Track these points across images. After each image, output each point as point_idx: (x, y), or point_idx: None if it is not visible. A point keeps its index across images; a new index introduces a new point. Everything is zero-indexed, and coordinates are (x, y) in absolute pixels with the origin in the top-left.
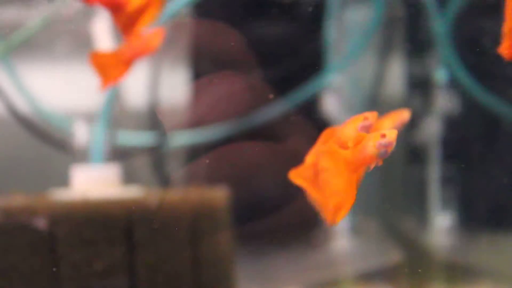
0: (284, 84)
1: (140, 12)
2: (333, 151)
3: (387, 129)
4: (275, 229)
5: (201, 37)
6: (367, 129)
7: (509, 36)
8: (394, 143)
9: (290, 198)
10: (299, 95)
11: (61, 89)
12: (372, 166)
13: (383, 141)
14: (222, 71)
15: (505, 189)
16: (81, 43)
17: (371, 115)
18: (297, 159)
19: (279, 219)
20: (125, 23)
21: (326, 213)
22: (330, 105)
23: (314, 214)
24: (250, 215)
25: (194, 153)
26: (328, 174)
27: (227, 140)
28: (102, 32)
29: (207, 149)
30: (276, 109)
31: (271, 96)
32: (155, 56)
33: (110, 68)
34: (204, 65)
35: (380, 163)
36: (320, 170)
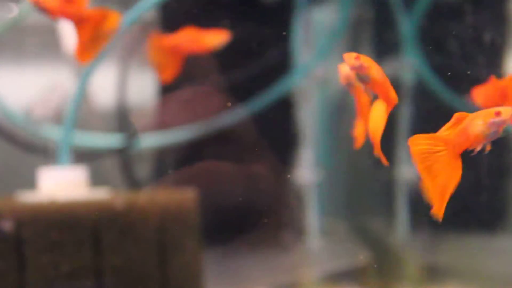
0: (250, 87)
1: (100, 24)
2: (433, 135)
3: (502, 107)
4: (244, 233)
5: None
6: (498, 126)
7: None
8: (508, 122)
9: (255, 213)
10: (266, 98)
11: (28, 90)
12: (478, 148)
13: (497, 119)
14: (187, 73)
15: (471, 190)
16: (49, 44)
17: (506, 111)
18: (259, 182)
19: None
20: (87, 34)
21: (432, 200)
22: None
23: (282, 216)
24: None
25: (161, 155)
26: (431, 160)
27: (194, 143)
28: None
29: (174, 151)
30: (242, 113)
31: (229, 104)
32: (123, 57)
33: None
34: None
35: (488, 147)
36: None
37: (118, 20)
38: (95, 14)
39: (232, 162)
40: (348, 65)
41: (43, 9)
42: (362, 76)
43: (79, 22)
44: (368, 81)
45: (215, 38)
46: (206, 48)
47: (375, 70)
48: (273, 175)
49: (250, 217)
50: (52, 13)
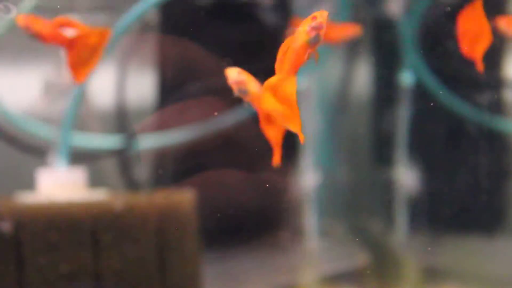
0: None
1: (91, 49)
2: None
3: (317, 12)
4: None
5: (166, 46)
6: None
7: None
8: (325, 25)
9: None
10: None
11: (26, 92)
12: (307, 57)
13: (314, 23)
14: (188, 76)
15: (470, 191)
16: (48, 46)
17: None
18: (269, 190)
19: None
20: (77, 59)
21: None
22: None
23: (281, 217)
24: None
25: (160, 156)
26: None
27: (194, 145)
28: None
29: (174, 153)
30: (242, 114)
31: (216, 113)
32: (122, 59)
33: None
34: (170, 69)
35: (317, 56)
36: None
37: (108, 37)
38: (87, 35)
39: (236, 166)
40: (229, 79)
41: (34, 35)
42: (241, 90)
43: (71, 46)
44: (247, 95)
45: (344, 31)
46: (334, 41)
47: (252, 85)
48: (273, 177)
49: (250, 219)
50: (43, 39)
